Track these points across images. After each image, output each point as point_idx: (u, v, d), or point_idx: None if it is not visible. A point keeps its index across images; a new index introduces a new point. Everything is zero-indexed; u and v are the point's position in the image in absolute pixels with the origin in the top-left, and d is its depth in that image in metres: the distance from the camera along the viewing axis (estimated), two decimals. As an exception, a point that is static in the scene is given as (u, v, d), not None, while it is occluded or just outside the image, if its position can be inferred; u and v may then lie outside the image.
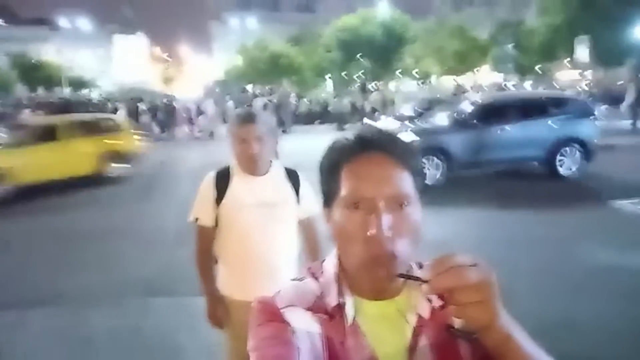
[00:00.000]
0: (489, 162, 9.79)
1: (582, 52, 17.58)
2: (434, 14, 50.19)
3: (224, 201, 2.31)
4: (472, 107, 10.27)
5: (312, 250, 2.51)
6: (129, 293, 4.84)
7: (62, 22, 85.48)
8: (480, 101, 10.69)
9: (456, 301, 0.67)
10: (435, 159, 9.49)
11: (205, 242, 2.37)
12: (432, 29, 41.10)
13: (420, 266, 0.89)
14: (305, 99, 31.25)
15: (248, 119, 2.28)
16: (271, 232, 2.28)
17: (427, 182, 9.25)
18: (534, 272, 4.84)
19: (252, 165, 2.30)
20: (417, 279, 0.74)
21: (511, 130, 9.71)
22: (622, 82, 24.70)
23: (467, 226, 6.76)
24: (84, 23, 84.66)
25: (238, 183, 2.32)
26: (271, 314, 0.84)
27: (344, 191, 0.82)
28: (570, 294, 4.34)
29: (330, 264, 0.91)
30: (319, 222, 2.47)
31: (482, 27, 40.08)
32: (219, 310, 2.39)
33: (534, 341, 0.74)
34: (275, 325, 0.82)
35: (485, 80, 40.81)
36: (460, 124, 10.02)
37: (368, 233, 0.78)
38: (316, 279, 0.91)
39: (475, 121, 9.83)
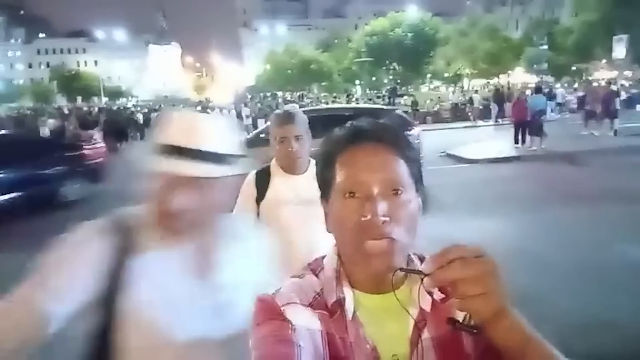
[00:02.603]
0: None
1: (620, 50, 17.01)
2: (465, 14, 49.54)
3: (264, 199, 2.36)
4: None
5: None
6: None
7: (99, 33, 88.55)
8: None
9: (459, 294, 0.66)
10: None
11: None
12: (464, 30, 40.55)
13: (421, 258, 0.88)
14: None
15: (287, 119, 2.32)
16: (310, 229, 2.28)
17: None
18: (573, 271, 4.69)
19: (292, 164, 2.34)
20: (418, 272, 0.72)
21: None
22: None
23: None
24: (120, 34, 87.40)
25: (278, 181, 2.37)
26: (271, 311, 0.83)
27: (339, 180, 0.83)
28: (610, 293, 4.19)
29: (329, 260, 0.91)
30: None
31: (514, 27, 39.38)
32: None
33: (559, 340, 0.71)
34: (276, 323, 0.81)
35: (518, 81, 39.99)
36: None
37: (363, 218, 0.78)
38: (316, 275, 0.90)
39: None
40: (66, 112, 31.79)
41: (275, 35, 68.78)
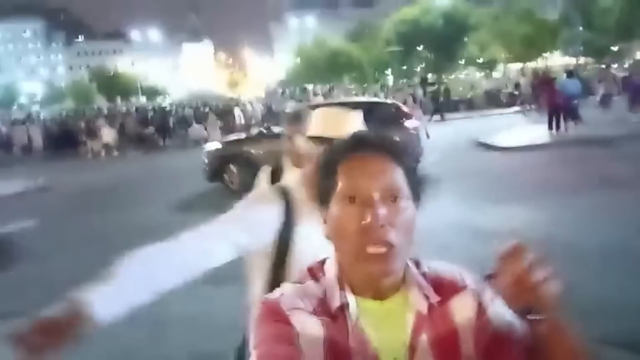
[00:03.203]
0: None
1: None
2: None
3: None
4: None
5: None
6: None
7: (134, 34, 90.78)
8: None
9: (529, 283, 0.73)
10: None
11: None
12: (498, 14, 39.49)
13: (416, 263, 0.92)
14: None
15: (296, 118, 2.45)
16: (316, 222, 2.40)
17: None
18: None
19: (300, 160, 2.45)
20: (446, 284, 0.87)
21: None
22: None
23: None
24: (155, 34, 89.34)
25: (290, 176, 2.48)
26: (276, 313, 0.85)
27: (340, 186, 0.86)
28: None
29: (330, 265, 0.93)
30: None
31: (551, 8, 38.05)
32: None
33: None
34: (280, 326, 0.83)
35: (556, 64, 38.69)
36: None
37: (363, 222, 0.81)
38: (317, 280, 0.92)
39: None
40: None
41: (304, 27, 68.90)
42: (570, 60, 37.31)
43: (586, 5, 32.31)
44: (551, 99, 12.17)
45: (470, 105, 25.26)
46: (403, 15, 38.64)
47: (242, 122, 22.08)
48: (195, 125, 20.48)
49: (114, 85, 63.43)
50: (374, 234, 0.80)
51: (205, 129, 19.42)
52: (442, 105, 22.61)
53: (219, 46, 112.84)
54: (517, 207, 6.78)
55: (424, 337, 0.85)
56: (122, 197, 10.33)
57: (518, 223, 5.88)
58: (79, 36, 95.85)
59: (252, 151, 9.43)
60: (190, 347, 3.81)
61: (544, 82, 14.11)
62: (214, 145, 10.35)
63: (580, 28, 28.57)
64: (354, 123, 1.73)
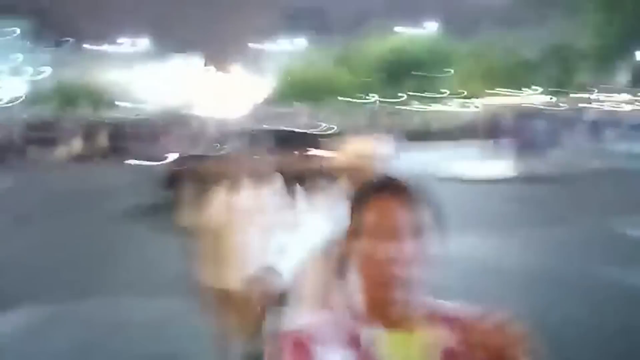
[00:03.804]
0: None
1: (621, 73, 17.36)
2: (482, 33, 49.78)
3: (231, 206, 2.97)
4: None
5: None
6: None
7: (122, 42, 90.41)
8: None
9: (508, 354, 0.82)
10: None
11: (210, 242, 2.95)
12: (480, 49, 40.85)
13: (433, 306, 0.99)
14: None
15: (255, 138, 2.94)
16: (267, 234, 2.80)
17: None
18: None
19: (256, 177, 2.89)
20: (458, 321, 0.95)
21: None
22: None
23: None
24: (143, 43, 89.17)
25: (244, 191, 2.93)
26: (299, 346, 0.89)
27: (363, 225, 0.96)
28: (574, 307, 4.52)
29: (355, 298, 0.99)
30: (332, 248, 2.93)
31: (531, 47, 39.48)
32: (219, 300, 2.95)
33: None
34: (302, 357, 0.88)
35: (534, 101, 39.97)
36: None
37: (380, 257, 0.90)
38: (342, 312, 0.98)
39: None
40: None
41: (293, 49, 69.69)
42: (547, 99, 38.69)
43: (563, 49, 33.74)
44: (520, 136, 12.86)
45: (449, 136, 26.05)
46: (389, 44, 39.65)
47: (206, 138, 22.63)
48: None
49: (99, 92, 62.93)
50: (390, 267, 0.90)
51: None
52: (420, 135, 23.27)
53: (207, 60, 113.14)
54: (476, 236, 7.25)
55: None
56: (73, 205, 10.54)
57: (471, 250, 6.34)
58: (65, 39, 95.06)
59: (204, 167, 9.87)
60: (143, 349, 4.05)
61: (518, 119, 14.85)
62: (169, 159, 11.45)
63: (559, 68, 29.72)
64: (379, 150, 2.18)
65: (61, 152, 19.23)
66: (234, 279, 2.79)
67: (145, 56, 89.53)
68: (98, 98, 62.56)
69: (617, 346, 3.82)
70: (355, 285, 0.99)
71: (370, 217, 0.96)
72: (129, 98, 67.68)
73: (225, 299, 2.84)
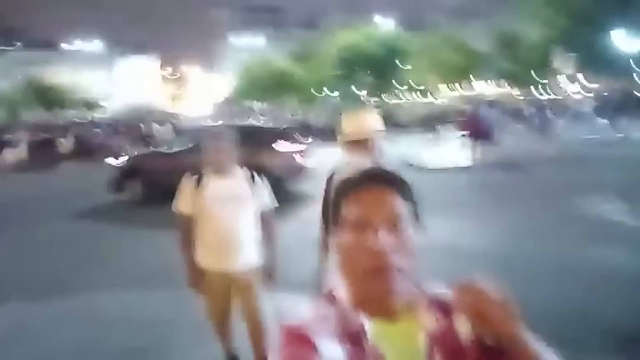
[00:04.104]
0: None
1: (564, 65, 18.26)
2: (436, 27, 50.90)
3: (200, 195, 3.02)
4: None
5: (269, 235, 3.19)
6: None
7: (73, 44, 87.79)
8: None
9: (484, 320, 0.80)
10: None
11: (186, 227, 3.07)
12: (434, 44, 41.79)
13: (422, 289, 0.97)
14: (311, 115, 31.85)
15: (218, 134, 3.01)
16: (236, 219, 2.92)
17: None
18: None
19: (223, 168, 2.98)
20: (444, 303, 0.90)
21: None
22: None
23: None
24: (96, 45, 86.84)
25: (211, 182, 2.98)
26: (298, 338, 0.88)
27: (347, 216, 0.94)
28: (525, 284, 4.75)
29: (341, 292, 0.97)
30: (273, 214, 3.23)
31: (484, 40, 40.67)
32: (197, 278, 3.08)
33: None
34: (302, 348, 0.86)
35: (486, 93, 41.24)
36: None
37: (367, 246, 0.88)
38: (332, 305, 0.96)
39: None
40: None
41: (251, 46, 69.39)
42: (499, 90, 40.02)
43: (513, 42, 34.92)
44: (472, 126, 13.22)
45: (407, 128, 26.56)
46: (345, 41, 40.00)
47: (159, 138, 22.54)
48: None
49: (50, 96, 60.84)
50: (376, 256, 0.88)
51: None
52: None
53: (163, 60, 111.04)
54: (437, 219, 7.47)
55: (437, 357, 0.89)
56: (26, 211, 10.37)
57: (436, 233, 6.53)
58: (14, 43, 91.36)
59: (155, 166, 10.23)
60: (122, 343, 4.06)
61: (470, 110, 15.25)
62: (121, 159, 11.18)
63: (507, 60, 30.79)
64: (373, 123, 2.66)
65: (9, 156, 18.60)
66: (215, 260, 3.04)
67: (99, 58, 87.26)
68: (50, 100, 60.51)
69: (578, 318, 4.03)
70: (339, 276, 0.97)
71: (355, 207, 0.94)
72: (83, 100, 65.81)
73: (208, 281, 3.07)
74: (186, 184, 3.07)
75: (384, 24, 42.73)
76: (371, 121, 2.68)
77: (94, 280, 5.80)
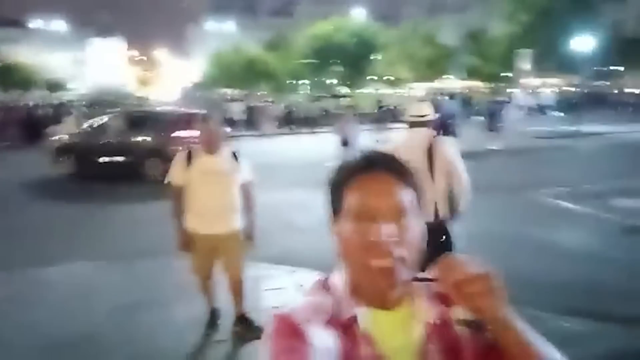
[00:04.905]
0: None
1: (524, 61, 19.25)
2: (407, 19, 51.68)
3: (190, 169, 3.52)
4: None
5: (248, 204, 3.72)
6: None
7: (37, 23, 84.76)
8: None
9: (465, 294, 0.76)
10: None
11: (178, 196, 3.58)
12: (404, 36, 42.56)
13: (418, 276, 0.94)
14: (281, 104, 32.10)
15: (207, 118, 3.54)
16: (220, 189, 3.45)
17: None
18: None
19: (211, 147, 3.50)
20: (429, 280, 0.84)
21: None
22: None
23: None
24: (60, 25, 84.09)
25: (200, 158, 3.49)
26: (289, 328, 0.86)
27: (349, 204, 0.89)
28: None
29: (338, 279, 0.94)
30: (252, 186, 3.76)
31: (452, 34, 41.64)
32: (186, 240, 3.59)
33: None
34: (293, 339, 0.84)
35: (453, 86, 42.32)
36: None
37: (370, 239, 0.84)
38: (327, 293, 0.94)
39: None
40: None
41: (222, 32, 68.68)
42: (464, 83, 41.12)
43: (478, 36, 36.04)
44: (441, 118, 13.94)
45: (375, 119, 27.16)
46: (317, 31, 40.37)
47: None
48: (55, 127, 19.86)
49: (10, 77, 58.76)
50: (380, 249, 0.84)
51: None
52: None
53: (131, 43, 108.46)
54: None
55: (432, 347, 0.88)
56: None
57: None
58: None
59: (87, 144, 11.91)
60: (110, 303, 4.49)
61: (439, 102, 15.96)
62: (57, 138, 12.73)
63: (471, 55, 31.76)
64: (428, 109, 3.64)
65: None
66: (202, 224, 3.56)
67: (65, 39, 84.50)
68: (17, 82, 58.48)
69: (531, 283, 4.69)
70: (339, 266, 0.96)
71: (357, 196, 0.89)
72: (52, 82, 63.93)
73: (197, 243, 3.59)
74: (178, 159, 3.58)
75: (356, 15, 43.18)
76: (428, 108, 3.72)
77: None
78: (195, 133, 11.51)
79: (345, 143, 11.27)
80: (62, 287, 4.98)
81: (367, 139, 15.27)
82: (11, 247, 6.52)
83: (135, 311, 4.29)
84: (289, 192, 9.27)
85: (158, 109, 17.23)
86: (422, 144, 3.48)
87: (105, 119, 12.81)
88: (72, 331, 3.94)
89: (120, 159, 11.50)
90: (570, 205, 8.05)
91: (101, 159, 11.64)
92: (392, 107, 28.53)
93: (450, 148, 3.54)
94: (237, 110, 25.32)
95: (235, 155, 3.65)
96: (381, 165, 0.91)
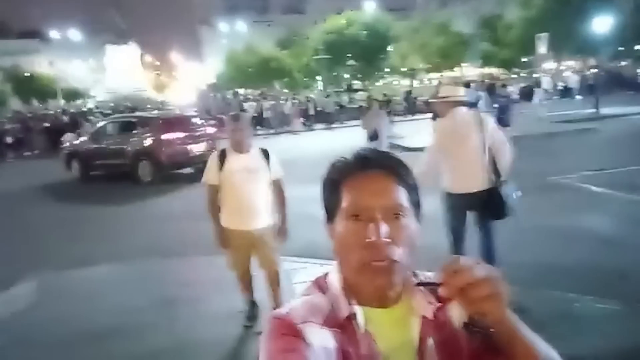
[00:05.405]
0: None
1: (542, 45, 18.96)
2: (419, 10, 51.26)
3: (223, 169, 3.61)
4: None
5: (280, 200, 3.81)
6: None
7: (53, 33, 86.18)
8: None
9: (470, 298, 0.73)
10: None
11: (213, 195, 3.69)
12: (417, 27, 42.25)
13: (415, 275, 0.94)
14: (295, 100, 32.15)
15: (237, 117, 3.62)
16: (253, 187, 3.56)
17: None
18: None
19: (241, 146, 3.60)
20: (434, 284, 0.81)
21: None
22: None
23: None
24: (75, 34, 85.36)
25: (232, 158, 3.59)
26: (287, 328, 0.85)
27: (344, 204, 0.88)
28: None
29: (334, 278, 0.94)
30: (283, 182, 3.83)
31: (467, 21, 41.21)
32: (224, 237, 3.71)
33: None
34: (291, 339, 0.84)
35: (470, 74, 41.86)
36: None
37: (367, 240, 0.83)
38: (323, 293, 0.93)
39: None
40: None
41: (234, 32, 68.87)
42: (482, 71, 40.68)
43: (493, 22, 35.59)
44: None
45: (391, 111, 27.09)
46: (329, 26, 40.34)
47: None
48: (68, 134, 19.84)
49: (30, 87, 59.97)
50: (376, 250, 0.83)
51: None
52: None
53: (145, 48, 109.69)
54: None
55: (430, 342, 0.88)
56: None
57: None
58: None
59: (88, 150, 12.81)
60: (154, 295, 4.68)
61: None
62: (67, 145, 14.09)
63: (487, 42, 31.40)
64: (462, 91, 3.99)
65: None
66: (237, 221, 3.70)
67: (78, 48, 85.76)
68: (37, 92, 59.72)
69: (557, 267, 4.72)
70: (334, 268, 0.96)
71: (352, 195, 0.89)
72: (70, 91, 65.05)
73: (233, 240, 3.72)
74: (212, 160, 3.70)
75: (369, 8, 42.98)
76: (456, 89, 4.10)
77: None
78: (180, 134, 11.89)
79: (373, 137, 10.86)
80: (98, 285, 5.18)
81: (398, 132, 15.33)
82: (37, 249, 6.81)
83: (173, 306, 4.47)
84: (308, 188, 9.36)
85: (147, 113, 18.51)
86: (473, 120, 3.84)
87: (100, 124, 13.68)
88: (110, 324, 4.14)
89: (115, 161, 12.24)
90: (596, 189, 8.00)
91: (98, 162, 12.57)
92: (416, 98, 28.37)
93: (494, 124, 3.93)
94: (264, 108, 25.57)
95: (265, 153, 3.75)
96: (377, 164, 0.91)
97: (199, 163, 11.99)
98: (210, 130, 13.30)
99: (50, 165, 14.57)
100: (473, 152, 3.79)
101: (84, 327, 4.15)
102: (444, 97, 3.96)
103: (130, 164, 11.80)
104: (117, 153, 12.06)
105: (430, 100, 3.97)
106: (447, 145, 3.85)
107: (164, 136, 11.53)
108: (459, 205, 3.93)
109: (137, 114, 17.88)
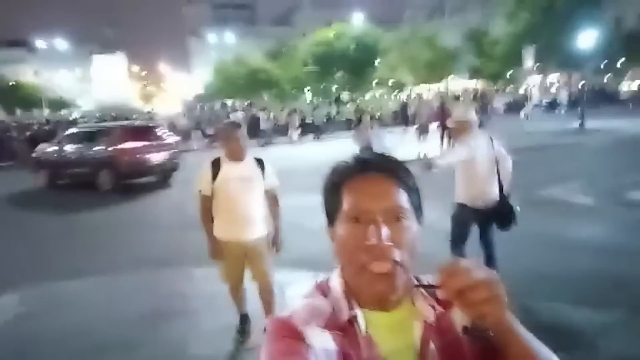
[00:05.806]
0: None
1: (529, 58, 19.31)
2: (407, 23, 51.82)
3: (217, 178, 3.55)
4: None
5: (274, 210, 3.78)
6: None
7: (40, 43, 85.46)
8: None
9: (469, 300, 0.72)
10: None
11: (206, 205, 3.62)
12: (404, 40, 42.69)
13: (417, 279, 0.93)
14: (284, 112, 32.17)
15: (234, 125, 3.57)
16: (247, 197, 3.51)
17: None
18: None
19: (237, 155, 3.55)
20: (432, 286, 0.82)
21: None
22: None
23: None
24: (62, 43, 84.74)
25: (226, 166, 3.54)
26: (288, 330, 0.85)
27: (345, 207, 0.88)
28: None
29: (335, 281, 0.94)
30: (277, 192, 3.79)
31: (453, 35, 41.78)
32: (217, 248, 3.64)
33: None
34: (292, 341, 0.84)
35: (456, 87, 42.34)
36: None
37: (367, 242, 0.83)
38: (325, 296, 0.93)
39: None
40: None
41: (223, 43, 68.98)
42: (468, 84, 41.19)
43: (479, 37, 36.14)
44: (439, 118, 14.04)
45: (380, 122, 27.25)
46: (318, 38, 40.56)
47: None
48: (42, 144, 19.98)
49: (14, 96, 59.18)
50: (377, 253, 0.83)
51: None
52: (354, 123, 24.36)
53: (132, 58, 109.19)
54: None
55: (432, 346, 0.88)
56: None
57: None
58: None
59: (55, 159, 12.96)
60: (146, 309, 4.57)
61: (439, 105, 16.00)
62: (37, 154, 13.88)
63: (473, 56, 31.86)
64: (474, 113, 4.35)
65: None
66: (231, 232, 3.63)
67: (65, 57, 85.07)
68: (21, 101, 58.95)
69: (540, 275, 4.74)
70: (335, 272, 0.96)
71: (353, 198, 0.89)
72: (55, 101, 64.37)
73: (226, 250, 3.65)
74: (205, 169, 3.65)
75: (356, 20, 43.37)
76: (469, 111, 4.38)
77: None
78: (139, 144, 11.95)
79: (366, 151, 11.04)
80: (87, 298, 5.07)
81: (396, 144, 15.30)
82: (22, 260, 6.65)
83: (164, 319, 4.38)
84: (303, 197, 9.35)
85: (110, 123, 18.86)
86: (484, 138, 4.23)
87: (67, 133, 13.72)
88: (103, 338, 4.04)
89: (78, 170, 12.49)
90: (583, 200, 8.09)
91: (64, 171, 12.78)
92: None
93: (497, 140, 4.33)
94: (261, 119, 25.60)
95: (260, 162, 3.70)
96: (377, 167, 0.91)
97: (159, 172, 12.70)
98: (172, 139, 13.66)
99: (25, 175, 14.39)
100: (488, 168, 4.17)
101: (68, 343, 4.04)
102: (460, 120, 4.30)
103: (92, 172, 12.12)
104: (80, 162, 12.38)
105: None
106: (467, 162, 4.17)
107: (123, 145, 11.76)
108: (469, 216, 4.28)
109: (101, 124, 18.19)
